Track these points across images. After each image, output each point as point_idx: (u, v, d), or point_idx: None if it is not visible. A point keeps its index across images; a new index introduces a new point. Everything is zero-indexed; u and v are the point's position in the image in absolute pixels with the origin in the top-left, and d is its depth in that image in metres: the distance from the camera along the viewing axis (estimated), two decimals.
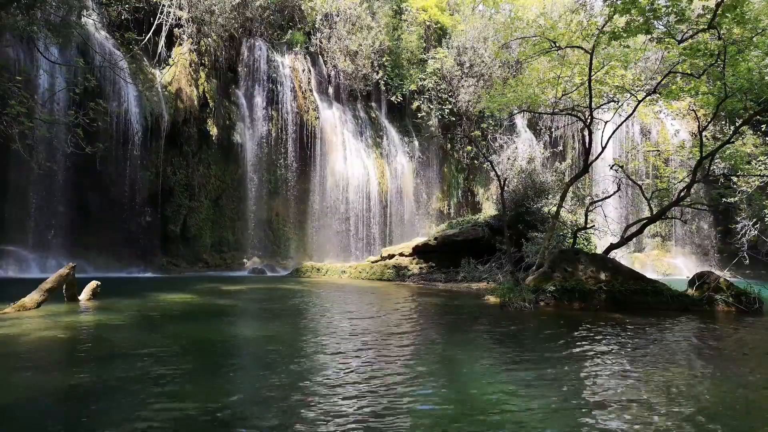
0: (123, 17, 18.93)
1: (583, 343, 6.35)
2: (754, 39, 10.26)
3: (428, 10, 27.90)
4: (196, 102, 20.18)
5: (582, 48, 12.40)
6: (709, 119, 13.40)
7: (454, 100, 26.92)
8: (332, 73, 24.84)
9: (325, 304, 10.42)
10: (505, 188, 13.82)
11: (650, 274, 14.38)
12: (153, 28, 19.22)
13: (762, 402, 4.06)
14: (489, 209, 25.04)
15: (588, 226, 13.59)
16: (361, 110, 25.98)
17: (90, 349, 5.54)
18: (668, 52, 13.05)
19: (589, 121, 12.71)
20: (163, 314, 8.14)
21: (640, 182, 16.04)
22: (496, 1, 23.79)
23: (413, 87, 26.48)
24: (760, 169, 16.73)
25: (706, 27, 10.16)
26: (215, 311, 8.80)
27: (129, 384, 4.12)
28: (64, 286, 8.48)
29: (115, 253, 17.79)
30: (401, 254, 18.24)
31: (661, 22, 10.86)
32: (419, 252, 17.91)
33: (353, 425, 3.29)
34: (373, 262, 18.31)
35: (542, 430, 3.32)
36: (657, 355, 5.66)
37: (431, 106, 26.80)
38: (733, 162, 15.36)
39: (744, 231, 20.95)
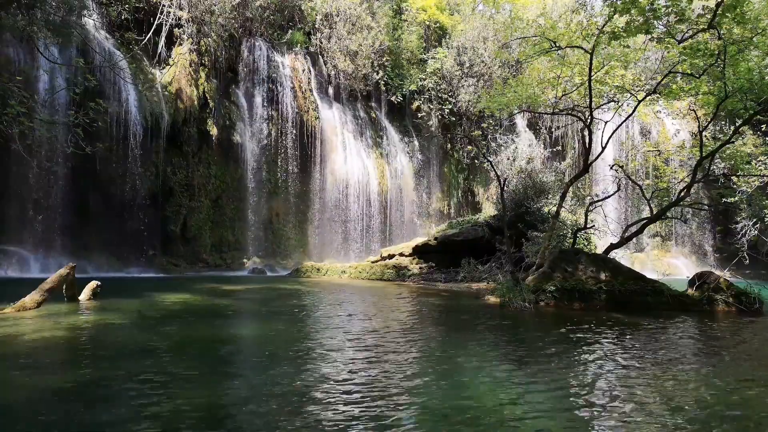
0: (123, 17, 18.93)
1: (584, 343, 6.35)
2: (754, 39, 10.25)
3: (428, 10, 27.89)
4: (196, 102, 20.18)
5: (582, 48, 12.39)
6: (709, 119, 13.38)
7: (454, 100, 26.91)
8: (332, 73, 24.83)
9: (325, 304, 10.41)
10: (505, 188, 13.82)
11: (650, 274, 14.36)
12: (153, 28, 19.23)
13: (762, 402, 4.06)
14: (489, 209, 25.02)
15: (588, 226, 13.58)
16: (361, 110, 25.96)
17: (90, 349, 5.54)
18: (668, 52, 13.03)
19: (589, 121, 12.71)
20: (163, 314, 8.14)
21: (640, 182, 16.02)
22: (496, 1, 23.82)
23: (413, 87, 26.48)
24: (760, 169, 16.71)
25: (706, 27, 10.15)
26: (215, 311, 8.80)
27: (129, 384, 4.12)
28: (64, 286, 8.49)
29: (115, 253, 17.80)
30: (401, 254, 18.24)
31: (661, 22, 10.85)
32: (419, 252, 17.90)
33: (353, 424, 3.29)
34: (373, 262, 18.30)
35: (542, 429, 3.32)
36: (657, 355, 5.66)
37: (431, 106, 26.79)
38: (733, 162, 15.33)
39: (744, 231, 20.96)
